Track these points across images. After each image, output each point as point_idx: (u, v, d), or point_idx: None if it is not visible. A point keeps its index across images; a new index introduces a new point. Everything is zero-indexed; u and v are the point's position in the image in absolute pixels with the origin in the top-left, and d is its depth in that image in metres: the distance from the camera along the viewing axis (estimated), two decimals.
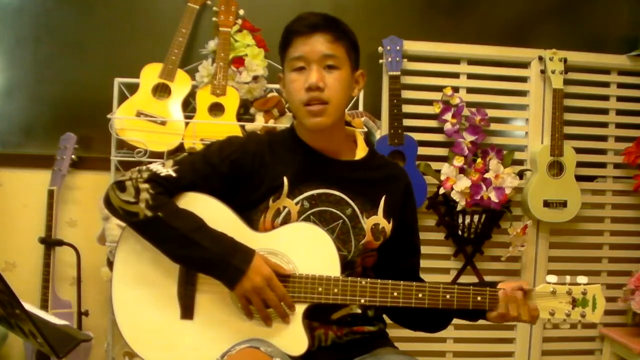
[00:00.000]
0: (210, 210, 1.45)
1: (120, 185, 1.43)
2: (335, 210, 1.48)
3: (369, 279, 1.41)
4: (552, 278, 1.43)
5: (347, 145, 1.57)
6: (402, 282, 1.41)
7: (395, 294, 1.40)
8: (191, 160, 1.49)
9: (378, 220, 1.51)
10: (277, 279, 1.39)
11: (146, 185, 1.41)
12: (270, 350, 1.33)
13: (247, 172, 1.48)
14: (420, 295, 1.41)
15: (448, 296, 1.41)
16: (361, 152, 1.56)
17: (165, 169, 1.45)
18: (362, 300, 1.41)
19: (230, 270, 1.38)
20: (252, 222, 1.46)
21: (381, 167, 1.58)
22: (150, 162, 1.51)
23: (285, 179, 1.47)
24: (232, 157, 1.48)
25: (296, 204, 1.47)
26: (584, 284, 1.42)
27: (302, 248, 1.43)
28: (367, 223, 1.50)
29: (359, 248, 1.48)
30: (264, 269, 1.38)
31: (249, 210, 1.47)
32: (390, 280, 1.41)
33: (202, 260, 1.39)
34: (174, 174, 1.45)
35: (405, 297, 1.41)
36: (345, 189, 1.49)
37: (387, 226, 1.52)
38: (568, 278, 1.44)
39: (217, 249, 1.38)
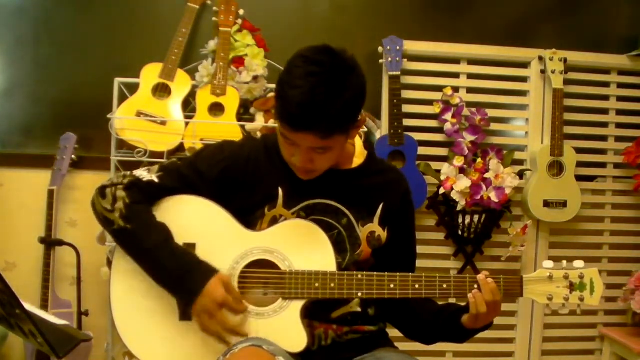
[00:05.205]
0: (203, 212, 1.45)
1: (101, 191, 1.45)
2: (331, 221, 1.47)
3: (365, 272, 1.41)
4: (549, 264, 1.42)
5: (345, 153, 1.53)
6: (398, 274, 1.41)
7: (392, 285, 1.41)
8: (179, 167, 1.48)
9: (374, 228, 1.50)
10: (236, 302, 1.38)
11: (123, 194, 1.42)
12: (273, 349, 1.33)
13: (241, 179, 1.47)
14: (417, 286, 1.41)
15: (445, 285, 1.41)
16: (359, 158, 1.55)
17: (149, 175, 1.46)
18: (359, 294, 1.41)
19: (183, 290, 1.38)
20: (249, 226, 1.46)
21: (380, 173, 1.57)
22: (151, 162, 1.51)
23: (280, 190, 1.46)
24: (222, 165, 1.47)
25: (292, 213, 1.46)
26: (581, 268, 1.41)
27: (297, 245, 1.43)
28: (362, 232, 1.49)
29: (354, 257, 1.48)
30: (217, 294, 1.36)
31: (246, 215, 1.47)
32: (386, 273, 1.41)
33: (160, 278, 1.41)
34: (156, 180, 1.45)
35: (402, 288, 1.41)
36: (341, 199, 1.49)
37: (382, 234, 1.51)
38: (564, 263, 1.43)
39: (174, 269, 1.38)
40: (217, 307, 1.36)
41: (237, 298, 1.39)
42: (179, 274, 1.38)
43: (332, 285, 1.40)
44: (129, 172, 1.48)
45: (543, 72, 2.65)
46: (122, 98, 2.41)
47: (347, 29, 2.69)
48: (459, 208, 2.50)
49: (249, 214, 1.47)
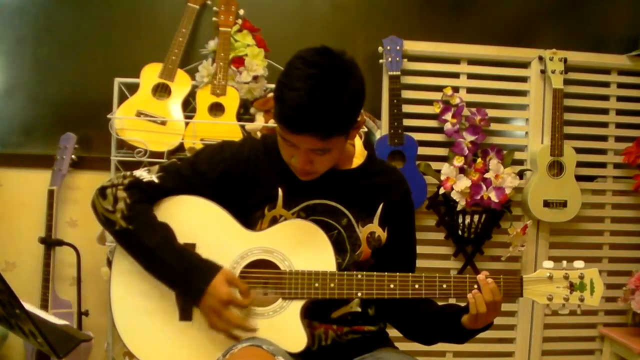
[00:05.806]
0: (203, 212, 1.45)
1: (102, 192, 1.44)
2: (331, 221, 1.47)
3: (364, 272, 1.41)
4: (549, 264, 1.42)
5: (345, 153, 1.53)
6: (398, 274, 1.41)
7: (391, 285, 1.41)
8: (179, 167, 1.48)
9: (374, 229, 1.50)
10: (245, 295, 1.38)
11: (124, 194, 1.42)
12: (273, 349, 1.33)
13: (241, 179, 1.47)
14: (416, 286, 1.41)
15: (445, 285, 1.41)
16: (359, 159, 1.55)
17: (149, 175, 1.46)
18: (359, 294, 1.41)
19: (190, 289, 1.39)
20: (249, 226, 1.46)
21: (379, 173, 1.56)
22: (151, 163, 1.51)
23: (280, 190, 1.46)
24: (222, 165, 1.47)
25: (292, 214, 1.46)
26: (581, 268, 1.41)
27: (296, 245, 1.43)
28: (362, 232, 1.49)
29: (353, 257, 1.48)
30: (222, 292, 1.36)
31: (246, 215, 1.47)
32: (386, 273, 1.41)
33: (163, 278, 1.41)
34: (156, 181, 1.45)
35: (401, 288, 1.41)
36: (341, 199, 1.49)
37: (382, 234, 1.51)
38: (564, 263, 1.43)
39: (177, 268, 1.39)
40: (222, 306, 1.37)
41: (243, 292, 1.39)
42: (182, 274, 1.39)
43: (332, 285, 1.40)
44: (128, 173, 1.48)
45: (543, 72, 2.65)
46: (122, 98, 2.41)
47: (347, 29, 2.69)
48: (459, 208, 2.51)
49: (249, 214, 1.46)
